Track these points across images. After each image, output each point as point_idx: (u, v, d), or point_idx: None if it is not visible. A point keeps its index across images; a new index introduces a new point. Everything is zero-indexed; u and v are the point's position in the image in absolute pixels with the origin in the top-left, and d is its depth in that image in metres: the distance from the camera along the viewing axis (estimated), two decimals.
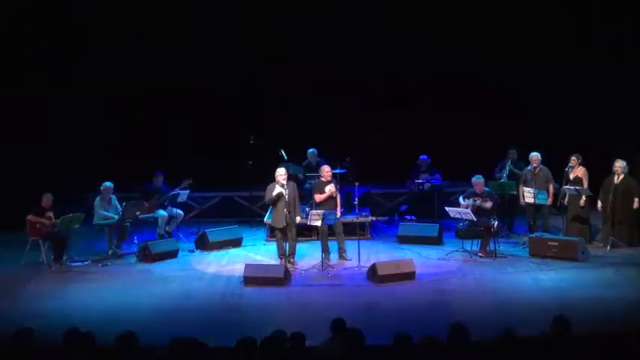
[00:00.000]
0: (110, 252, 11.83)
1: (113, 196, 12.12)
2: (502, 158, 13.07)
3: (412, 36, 14.43)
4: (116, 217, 11.89)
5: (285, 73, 14.74)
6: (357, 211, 11.70)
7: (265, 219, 12.40)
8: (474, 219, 11.17)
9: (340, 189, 11.54)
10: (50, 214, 11.36)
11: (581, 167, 11.83)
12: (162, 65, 14.57)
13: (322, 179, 11.35)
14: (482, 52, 14.36)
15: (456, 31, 14.36)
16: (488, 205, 11.31)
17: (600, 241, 11.74)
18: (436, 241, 12.27)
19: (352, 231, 11.63)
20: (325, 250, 11.14)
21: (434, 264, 11.08)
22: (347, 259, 11.29)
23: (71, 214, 11.31)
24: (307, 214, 11.04)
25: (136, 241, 12.31)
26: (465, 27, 14.32)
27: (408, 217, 13.79)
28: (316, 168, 12.17)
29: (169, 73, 14.67)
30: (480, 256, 11.27)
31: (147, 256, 11.47)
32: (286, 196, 10.81)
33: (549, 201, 11.97)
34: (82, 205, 12.76)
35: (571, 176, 11.82)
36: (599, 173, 11.87)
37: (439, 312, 8.98)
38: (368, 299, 9.56)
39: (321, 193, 11.25)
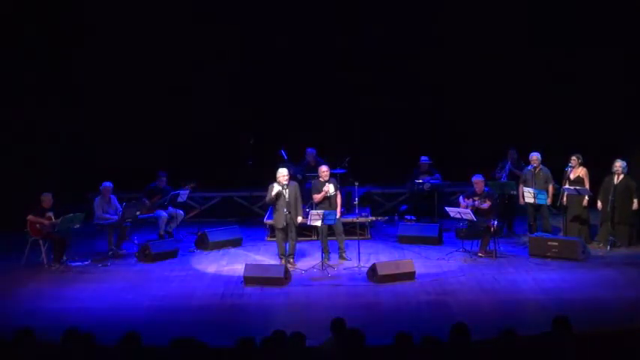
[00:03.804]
0: (110, 252, 11.82)
1: (113, 196, 12.12)
2: (502, 158, 13.07)
3: (411, 35, 14.45)
4: (116, 217, 11.89)
5: (285, 72, 14.76)
6: (357, 211, 11.70)
7: (265, 219, 12.43)
8: (474, 219, 11.17)
9: (340, 189, 11.53)
10: (50, 214, 11.35)
11: (581, 167, 11.83)
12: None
13: (320, 179, 11.36)
14: (481, 52, 14.35)
15: (454, 29, 14.38)
16: (486, 206, 11.31)
17: (599, 241, 11.73)
18: (436, 241, 12.27)
19: (352, 231, 11.63)
20: (325, 250, 11.15)
21: (434, 264, 11.08)
22: (347, 259, 11.29)
23: (71, 214, 11.30)
24: (307, 214, 11.05)
25: (135, 241, 12.31)
26: (464, 26, 14.34)
27: (408, 217, 13.78)
28: (315, 168, 12.17)
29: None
30: (480, 256, 11.27)
31: (147, 256, 11.47)
32: (287, 196, 10.82)
33: (549, 201, 11.97)
34: (82, 204, 12.78)
35: (571, 176, 11.82)
36: (599, 173, 11.87)
37: (439, 312, 8.99)
38: (368, 299, 9.56)
39: (319, 193, 11.26)
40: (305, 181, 12.75)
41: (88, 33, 14.30)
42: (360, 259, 10.94)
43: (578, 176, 11.79)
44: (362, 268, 10.68)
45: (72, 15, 14.06)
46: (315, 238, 12.20)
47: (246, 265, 10.56)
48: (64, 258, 11.34)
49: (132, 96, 14.63)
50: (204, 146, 14.86)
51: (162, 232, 12.75)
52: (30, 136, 13.87)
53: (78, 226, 11.58)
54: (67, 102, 14.39)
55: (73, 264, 11.34)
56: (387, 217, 14.10)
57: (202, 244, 12.29)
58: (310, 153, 13.52)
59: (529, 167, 12.17)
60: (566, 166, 11.86)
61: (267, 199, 11.07)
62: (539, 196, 11.69)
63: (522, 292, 9.63)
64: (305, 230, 12.22)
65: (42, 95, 13.98)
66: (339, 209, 11.36)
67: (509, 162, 12.87)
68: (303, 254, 11.63)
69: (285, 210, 10.77)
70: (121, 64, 14.46)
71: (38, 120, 13.94)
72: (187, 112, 14.93)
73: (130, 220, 12.02)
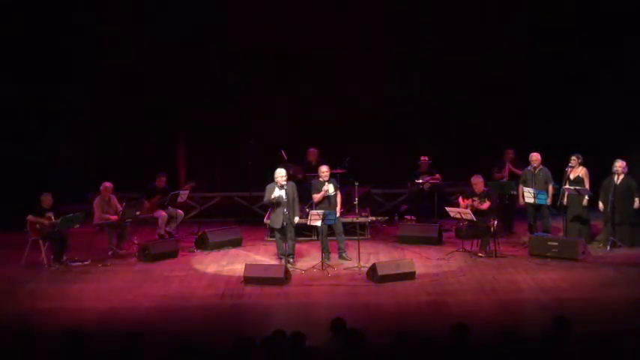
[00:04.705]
0: (110, 252, 11.83)
1: (113, 196, 12.11)
2: (501, 158, 13.07)
3: (411, 37, 14.46)
4: (116, 217, 11.88)
5: (285, 74, 14.77)
6: (357, 211, 11.69)
7: (265, 219, 12.43)
8: (474, 219, 11.17)
9: (340, 189, 11.53)
10: (50, 214, 11.35)
11: (581, 167, 11.83)
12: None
13: (320, 179, 11.36)
14: (481, 51, 14.36)
15: (453, 30, 14.39)
16: (485, 206, 11.31)
17: (600, 241, 11.73)
18: (436, 241, 12.27)
19: (352, 231, 11.63)
20: (325, 250, 11.15)
21: (434, 264, 11.07)
22: (347, 259, 11.29)
23: (71, 214, 11.30)
24: (307, 214, 11.04)
25: (135, 241, 12.31)
26: (464, 26, 14.35)
27: (408, 217, 13.78)
28: (315, 167, 12.17)
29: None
30: (480, 256, 11.27)
31: (147, 256, 11.47)
32: (285, 197, 10.82)
33: (549, 201, 11.97)
34: (81, 205, 12.77)
35: (571, 176, 11.82)
36: (599, 173, 11.87)
37: (439, 312, 8.98)
38: (368, 299, 9.55)
39: (318, 193, 11.27)
40: (305, 181, 12.75)
41: (85, 32, 14.30)
42: (360, 259, 10.93)
43: (578, 176, 11.78)
44: (362, 268, 10.68)
45: (66, 14, 14.06)
46: (315, 238, 12.19)
47: (246, 265, 10.56)
48: (64, 258, 11.34)
49: (132, 96, 14.64)
50: (204, 146, 14.90)
51: (162, 232, 12.75)
52: (30, 135, 13.88)
53: (78, 226, 11.58)
54: (67, 101, 14.41)
55: (73, 264, 11.34)
56: (387, 217, 14.10)
57: (202, 244, 12.29)
58: (311, 152, 13.53)
59: (529, 167, 12.17)
60: (566, 166, 11.85)
61: (266, 199, 11.08)
62: (539, 196, 11.68)
63: (522, 292, 9.62)
64: (305, 230, 12.22)
65: (42, 94, 14.00)
66: (338, 209, 11.36)
67: (508, 162, 12.87)
68: (303, 254, 11.63)
69: (284, 210, 10.77)
70: (121, 64, 14.47)
71: (39, 119, 13.97)
72: (188, 112, 14.97)
73: (130, 220, 12.02)
